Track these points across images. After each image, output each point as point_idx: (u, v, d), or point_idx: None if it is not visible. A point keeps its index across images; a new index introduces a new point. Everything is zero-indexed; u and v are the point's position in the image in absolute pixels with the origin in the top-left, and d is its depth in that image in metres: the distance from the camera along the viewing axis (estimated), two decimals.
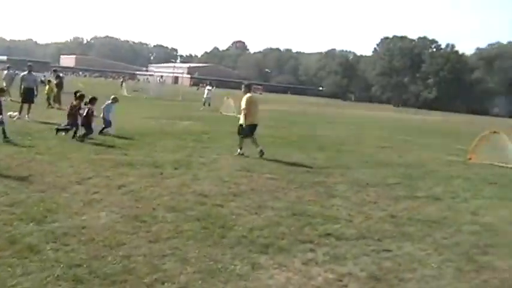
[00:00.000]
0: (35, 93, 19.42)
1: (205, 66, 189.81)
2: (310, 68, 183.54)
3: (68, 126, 14.62)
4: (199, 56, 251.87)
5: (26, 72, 20.21)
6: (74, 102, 15.03)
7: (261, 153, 13.80)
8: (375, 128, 31.80)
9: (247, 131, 14.06)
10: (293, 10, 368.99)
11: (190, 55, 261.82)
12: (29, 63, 20.93)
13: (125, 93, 47.82)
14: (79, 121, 14.68)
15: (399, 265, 6.05)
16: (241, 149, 14.00)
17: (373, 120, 43.11)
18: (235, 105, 31.88)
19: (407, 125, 39.47)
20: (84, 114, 14.87)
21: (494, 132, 17.67)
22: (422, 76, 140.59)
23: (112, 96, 17.43)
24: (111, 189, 8.63)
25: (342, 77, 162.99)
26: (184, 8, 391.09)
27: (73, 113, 14.73)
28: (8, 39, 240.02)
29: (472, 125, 45.55)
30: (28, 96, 19.07)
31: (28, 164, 10.02)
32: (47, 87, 25.64)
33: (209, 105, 36.35)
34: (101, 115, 16.31)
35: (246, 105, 14.00)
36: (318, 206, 8.72)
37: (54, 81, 26.73)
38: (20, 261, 5.10)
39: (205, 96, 37.80)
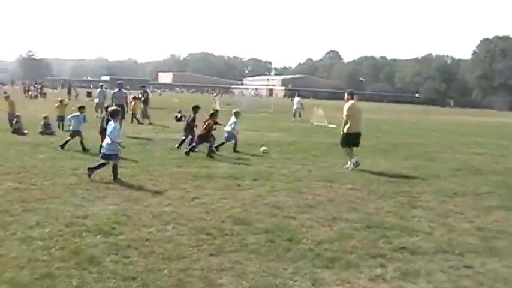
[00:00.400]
0: (125, 109, 20.13)
1: (298, 77, 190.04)
2: (406, 75, 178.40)
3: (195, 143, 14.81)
4: (293, 67, 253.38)
5: (116, 90, 21.01)
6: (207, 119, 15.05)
7: (356, 164, 13.10)
8: (472, 134, 30.05)
9: (351, 140, 13.43)
10: (386, 17, 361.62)
11: (285, 67, 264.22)
12: (119, 81, 21.82)
13: (218, 107, 48.71)
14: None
15: (480, 284, 5.48)
16: (351, 161, 13.26)
17: (471, 126, 40.86)
18: (325, 115, 31.67)
19: (507, 130, 36.94)
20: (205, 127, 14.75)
21: None
22: None
23: (234, 111, 16.72)
24: (184, 202, 8.65)
25: (439, 82, 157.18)
26: (277, 20, 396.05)
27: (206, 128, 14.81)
28: (111, 60, 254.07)
29: None
30: None
31: (109, 177, 10.28)
32: (133, 103, 26.17)
33: (300, 116, 36.12)
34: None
35: (347, 112, 13.36)
36: (397, 218, 8.21)
37: (141, 98, 27.49)
38: (78, 272, 5.17)
39: (295, 107, 37.60)
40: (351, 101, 13.59)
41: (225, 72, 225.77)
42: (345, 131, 13.38)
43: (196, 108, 16.14)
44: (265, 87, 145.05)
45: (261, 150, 15.62)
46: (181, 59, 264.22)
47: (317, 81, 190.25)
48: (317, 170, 12.88)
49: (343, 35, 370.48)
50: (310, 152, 16.33)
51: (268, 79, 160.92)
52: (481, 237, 7.27)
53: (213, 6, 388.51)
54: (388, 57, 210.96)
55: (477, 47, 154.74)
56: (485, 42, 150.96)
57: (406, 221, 8.02)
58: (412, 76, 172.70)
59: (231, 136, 15.78)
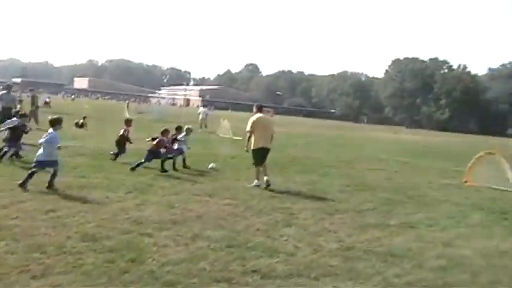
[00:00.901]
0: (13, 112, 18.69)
1: (216, 88, 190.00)
2: (322, 90, 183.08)
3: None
4: (212, 78, 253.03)
5: (4, 92, 19.52)
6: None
7: (267, 184, 12.06)
8: (376, 149, 30.61)
9: (258, 157, 12.45)
10: (305, 33, 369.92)
11: (203, 78, 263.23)
12: (8, 83, 20.26)
13: (127, 116, 47.19)
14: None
15: None
16: (258, 180, 12.29)
17: (376, 141, 41.89)
18: (231, 127, 31.20)
19: (411, 147, 38.09)
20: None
21: (490, 153, 16.56)
22: (434, 97, 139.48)
23: (186, 127, 15.68)
24: (37, 214, 7.77)
25: (353, 99, 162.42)
26: (197, 31, 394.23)
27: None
28: (26, 62, 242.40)
29: (481, 146, 44.09)
30: (5, 115, 18.33)
31: None
32: (19, 106, 24.47)
33: (206, 126, 35.53)
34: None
35: (251, 126, 12.45)
36: (264, 237, 7.67)
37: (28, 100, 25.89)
38: None
39: (200, 117, 37.02)
40: (257, 115, 12.68)
41: (143, 80, 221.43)
42: (251, 147, 12.53)
43: (129, 122, 15.54)
44: (183, 97, 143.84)
45: (209, 167, 14.63)
46: (100, 64, 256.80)
47: (235, 93, 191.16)
48: (203, 183, 12.22)
49: (262, 48, 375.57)
50: (205, 164, 15.66)
51: (185, 89, 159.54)
52: (345, 258, 6.85)
53: (134, 12, 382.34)
54: (306, 73, 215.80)
55: (389, 66, 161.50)
56: (396, 62, 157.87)
57: (272, 240, 7.49)
58: (328, 92, 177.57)
59: (179, 151, 14.78)
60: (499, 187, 15.29)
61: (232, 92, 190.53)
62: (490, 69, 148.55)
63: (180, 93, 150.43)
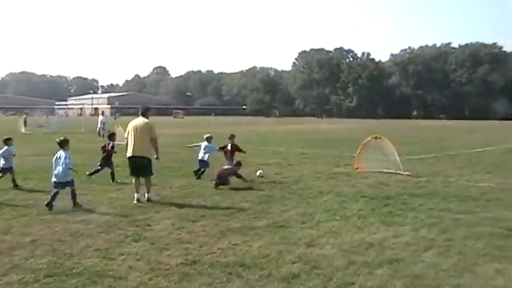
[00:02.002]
0: None
1: (125, 94, 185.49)
2: (232, 88, 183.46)
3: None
4: (120, 84, 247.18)
5: None
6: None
7: (148, 200, 10.82)
8: (277, 142, 30.13)
9: (129, 167, 11.11)
10: (212, 31, 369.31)
11: (112, 85, 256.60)
12: None
13: (22, 131, 44.38)
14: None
15: None
16: (137, 192, 10.82)
17: (281, 134, 41.63)
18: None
19: (313, 137, 38.04)
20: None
21: (376, 137, 16.26)
22: (342, 86, 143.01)
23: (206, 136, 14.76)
24: None
25: (264, 94, 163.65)
26: (101, 37, 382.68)
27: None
28: None
29: (378, 130, 45.02)
30: None
31: None
32: None
33: (103, 136, 33.63)
34: None
35: (126, 132, 11.27)
36: (99, 258, 6.56)
37: None
38: None
39: (98, 126, 35.17)
40: (134, 119, 11.26)
41: (49, 92, 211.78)
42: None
43: (113, 136, 14.77)
44: (91, 106, 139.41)
45: (257, 174, 14.50)
46: (0, 79, 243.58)
47: (145, 97, 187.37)
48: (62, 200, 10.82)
49: (170, 50, 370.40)
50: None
51: (92, 98, 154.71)
52: (182, 276, 5.84)
53: (32, 22, 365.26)
54: (215, 71, 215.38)
55: (296, 59, 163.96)
56: (303, 54, 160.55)
57: (107, 262, 6.36)
58: (238, 88, 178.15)
59: (205, 164, 14.23)
60: (389, 171, 15.13)
61: (141, 97, 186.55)
62: (392, 54, 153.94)
63: (88, 102, 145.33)
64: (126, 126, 11.45)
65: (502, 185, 13.30)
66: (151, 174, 11.09)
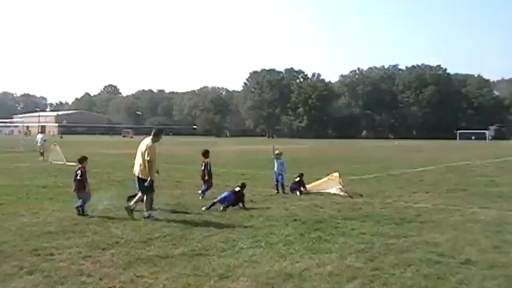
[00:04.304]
0: None
1: (73, 113, 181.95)
2: (183, 107, 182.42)
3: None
4: (70, 103, 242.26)
5: None
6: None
7: (128, 208, 11.13)
8: (219, 163, 29.39)
9: None
10: (164, 50, 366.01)
11: (61, 103, 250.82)
12: None
13: None
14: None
15: None
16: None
17: (226, 155, 40.97)
18: (63, 152, 28.57)
19: (255, 158, 37.50)
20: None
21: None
22: (292, 106, 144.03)
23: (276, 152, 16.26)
24: None
25: (214, 113, 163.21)
26: (52, 53, 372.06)
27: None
28: None
29: (330, 150, 45.09)
30: None
31: None
32: None
33: (43, 155, 32.14)
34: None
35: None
36: None
37: None
38: None
39: (38, 145, 33.70)
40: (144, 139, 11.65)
41: None
42: None
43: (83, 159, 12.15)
44: (37, 124, 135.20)
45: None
46: None
47: (94, 116, 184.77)
48: None
49: (121, 68, 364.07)
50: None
51: (39, 115, 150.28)
52: None
53: None
54: (167, 90, 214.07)
55: (247, 79, 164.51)
56: (254, 74, 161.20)
57: None
58: (189, 108, 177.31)
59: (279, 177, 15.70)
60: (328, 191, 15.01)
61: (90, 116, 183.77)
62: (341, 75, 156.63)
63: (35, 120, 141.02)
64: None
65: (438, 205, 13.03)
66: (149, 192, 11.18)
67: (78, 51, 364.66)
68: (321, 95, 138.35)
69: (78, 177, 11.53)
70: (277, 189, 15.60)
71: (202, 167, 14.55)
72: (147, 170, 11.00)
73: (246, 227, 10.03)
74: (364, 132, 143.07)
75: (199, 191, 14.26)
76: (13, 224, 10.10)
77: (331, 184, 15.51)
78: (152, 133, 11.54)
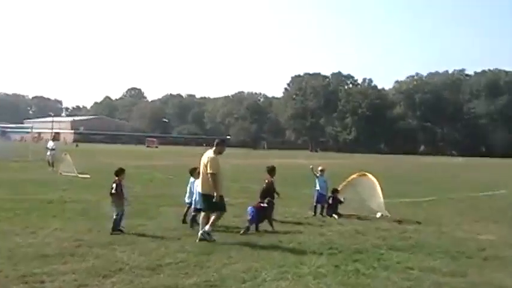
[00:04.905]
0: None
1: (92, 118, 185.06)
2: (215, 115, 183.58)
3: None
4: (88, 107, 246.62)
5: None
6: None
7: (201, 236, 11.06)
8: (250, 178, 29.28)
9: None
10: (194, 52, 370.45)
11: (78, 107, 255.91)
12: None
13: None
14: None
15: None
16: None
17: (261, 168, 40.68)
18: (76, 163, 28.97)
19: (295, 172, 37.16)
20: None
21: (362, 174, 16.17)
22: (339, 116, 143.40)
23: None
24: None
25: (250, 122, 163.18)
26: (69, 52, 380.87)
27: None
28: None
29: (381, 167, 44.38)
30: None
31: None
32: None
33: (52, 165, 32.56)
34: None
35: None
36: None
37: None
38: None
39: (47, 154, 34.11)
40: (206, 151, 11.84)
41: (3, 113, 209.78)
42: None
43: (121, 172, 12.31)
44: (50, 130, 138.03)
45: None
46: None
47: (115, 123, 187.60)
48: None
49: (147, 70, 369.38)
50: None
51: (53, 121, 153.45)
52: None
53: None
54: (197, 96, 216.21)
55: (288, 84, 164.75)
56: (296, 79, 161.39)
57: None
58: (222, 116, 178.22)
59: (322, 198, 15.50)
60: (372, 215, 14.87)
61: (111, 122, 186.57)
62: (397, 81, 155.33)
63: (48, 126, 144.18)
64: None
65: (507, 238, 12.46)
66: (218, 210, 11.32)
67: (97, 49, 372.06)
68: (373, 104, 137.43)
69: (113, 191, 11.84)
70: (315, 212, 15.35)
71: (265, 185, 14.13)
72: (212, 185, 11.11)
73: (272, 254, 9.77)
74: (422, 147, 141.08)
75: None
76: (4, 244, 10.04)
77: (367, 187, 15.47)
78: (215, 144, 11.74)
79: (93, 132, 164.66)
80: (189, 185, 13.27)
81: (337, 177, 18.44)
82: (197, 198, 12.06)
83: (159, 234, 11.44)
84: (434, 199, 20.75)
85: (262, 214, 12.41)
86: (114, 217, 11.57)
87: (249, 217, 12.28)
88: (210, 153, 11.45)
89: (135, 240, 10.77)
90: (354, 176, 16.30)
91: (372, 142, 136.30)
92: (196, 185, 12.07)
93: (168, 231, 11.91)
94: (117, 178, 11.97)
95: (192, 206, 12.59)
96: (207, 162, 11.27)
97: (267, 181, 14.09)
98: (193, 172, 13.22)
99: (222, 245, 10.60)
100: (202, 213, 11.51)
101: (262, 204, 12.66)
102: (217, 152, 11.51)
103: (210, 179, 11.13)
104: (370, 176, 15.72)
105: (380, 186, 15.45)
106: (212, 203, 11.13)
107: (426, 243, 11.29)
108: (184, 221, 12.84)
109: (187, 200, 13.19)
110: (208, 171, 11.16)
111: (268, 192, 13.68)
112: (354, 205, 15.37)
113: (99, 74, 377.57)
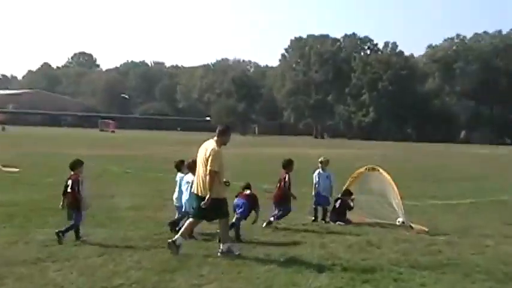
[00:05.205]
0: None
1: (24, 92, 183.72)
2: (192, 90, 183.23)
3: None
4: (19, 77, 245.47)
5: None
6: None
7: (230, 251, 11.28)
8: (239, 175, 29.37)
9: None
10: (163, 5, 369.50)
11: (5, 76, 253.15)
12: None
13: None
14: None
15: None
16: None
17: (252, 161, 40.91)
18: None
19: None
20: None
21: (372, 169, 16.31)
22: (353, 91, 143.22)
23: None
24: None
25: (237, 100, 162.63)
26: None
27: None
28: None
29: (408, 158, 44.55)
30: None
31: None
32: None
33: None
34: None
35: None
36: None
37: None
38: None
39: None
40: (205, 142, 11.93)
41: None
42: None
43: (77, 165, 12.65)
44: None
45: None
46: None
47: (57, 99, 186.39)
48: None
49: (99, 30, 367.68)
50: None
51: None
52: None
53: None
54: (167, 64, 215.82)
55: (286, 49, 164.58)
56: (297, 42, 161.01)
57: None
58: (200, 91, 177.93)
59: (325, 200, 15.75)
60: (390, 222, 15.07)
61: (51, 98, 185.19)
62: (430, 46, 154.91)
63: None
64: None
65: None
66: (223, 217, 11.51)
67: (35, 4, 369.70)
68: (398, 76, 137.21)
69: (68, 189, 12.01)
70: (316, 216, 15.54)
71: (280, 184, 14.68)
72: (209, 185, 11.18)
73: (256, 272, 9.92)
74: (463, 133, 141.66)
75: (271, 218, 14.44)
76: None
77: (380, 184, 15.66)
78: (217, 132, 11.73)
79: (26, 111, 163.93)
80: (177, 183, 13.51)
81: (349, 173, 18.55)
82: (189, 200, 12.32)
83: (108, 245, 11.50)
84: (474, 201, 20.91)
85: (254, 204, 12.95)
86: (71, 223, 11.80)
87: (238, 212, 12.74)
88: (211, 144, 11.44)
89: (74, 254, 10.85)
90: (361, 170, 16.46)
91: (396, 126, 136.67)
92: (186, 182, 12.41)
93: (119, 240, 11.98)
94: (72, 173, 12.11)
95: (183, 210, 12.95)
96: (208, 156, 11.23)
97: (279, 185, 14.71)
98: (181, 166, 13.61)
99: (191, 259, 10.67)
100: (190, 219, 11.62)
101: (247, 192, 13.13)
102: (221, 143, 11.52)
103: (208, 177, 11.14)
104: (381, 170, 15.82)
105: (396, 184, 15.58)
106: (214, 210, 11.22)
107: (462, 261, 11.35)
108: (173, 230, 12.83)
109: (176, 203, 13.47)
110: (209, 167, 11.15)
111: (285, 197, 14.51)
112: (365, 209, 15.67)
113: (35, 32, 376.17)
